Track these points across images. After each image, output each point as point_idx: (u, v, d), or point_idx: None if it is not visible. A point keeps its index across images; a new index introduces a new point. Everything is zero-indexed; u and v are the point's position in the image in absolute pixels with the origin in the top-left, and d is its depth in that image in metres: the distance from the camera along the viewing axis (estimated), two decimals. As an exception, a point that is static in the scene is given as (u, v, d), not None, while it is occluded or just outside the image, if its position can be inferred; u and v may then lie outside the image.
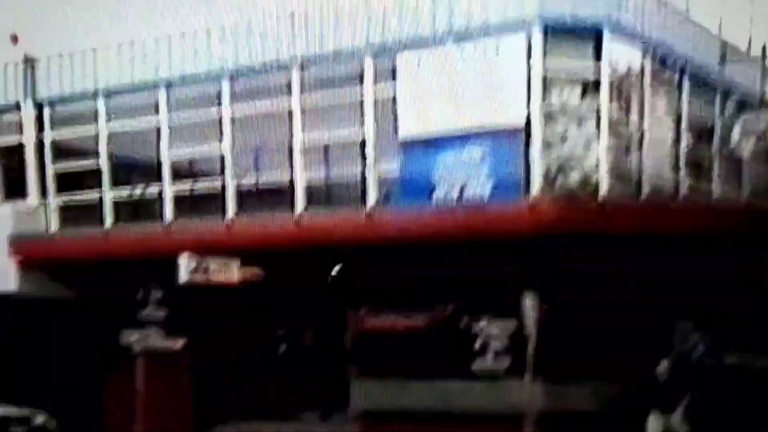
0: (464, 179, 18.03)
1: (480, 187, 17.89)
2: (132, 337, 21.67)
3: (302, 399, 23.15)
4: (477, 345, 19.13)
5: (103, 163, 22.57)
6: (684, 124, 20.55)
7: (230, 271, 21.17)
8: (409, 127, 18.75)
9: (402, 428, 20.07)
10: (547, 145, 18.19)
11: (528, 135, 17.62)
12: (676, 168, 20.50)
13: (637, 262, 17.60)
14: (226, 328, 22.20)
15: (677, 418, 18.97)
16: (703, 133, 21.28)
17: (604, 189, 18.40)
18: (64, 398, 21.95)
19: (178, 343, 21.97)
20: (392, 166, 19.01)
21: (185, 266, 20.20)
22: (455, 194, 18.04)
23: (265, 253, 19.93)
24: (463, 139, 18.00)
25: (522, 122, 17.78)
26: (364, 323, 20.93)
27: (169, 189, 21.87)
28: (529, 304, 17.16)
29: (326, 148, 19.95)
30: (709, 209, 19.09)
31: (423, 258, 18.80)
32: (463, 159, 17.98)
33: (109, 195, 22.52)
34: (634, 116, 19.42)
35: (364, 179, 19.28)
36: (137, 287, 21.59)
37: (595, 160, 18.52)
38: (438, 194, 18.23)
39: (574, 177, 18.43)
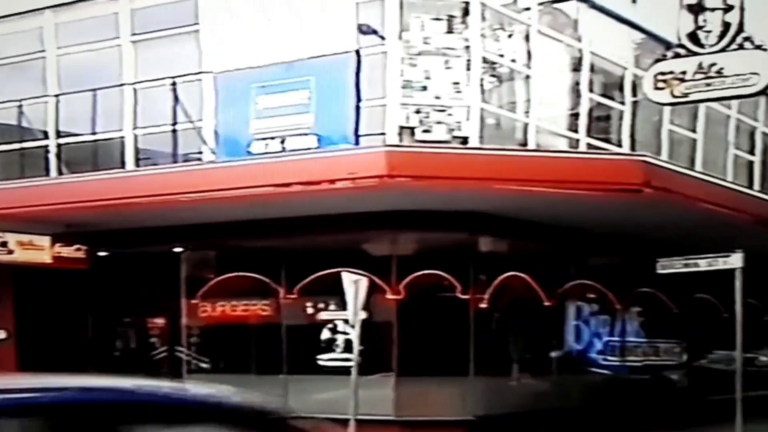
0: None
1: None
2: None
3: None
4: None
5: None
6: (585, 71, 16.97)
7: (40, 249, 17.79)
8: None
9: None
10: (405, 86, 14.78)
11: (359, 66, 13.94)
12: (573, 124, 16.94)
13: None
14: (58, 316, 18.75)
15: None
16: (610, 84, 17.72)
17: (473, 142, 14.91)
18: None
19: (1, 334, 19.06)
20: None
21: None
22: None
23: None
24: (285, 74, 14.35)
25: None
26: (199, 311, 17.32)
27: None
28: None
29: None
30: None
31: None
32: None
33: None
34: (518, 57, 15.93)
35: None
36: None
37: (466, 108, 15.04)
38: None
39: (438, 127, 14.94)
